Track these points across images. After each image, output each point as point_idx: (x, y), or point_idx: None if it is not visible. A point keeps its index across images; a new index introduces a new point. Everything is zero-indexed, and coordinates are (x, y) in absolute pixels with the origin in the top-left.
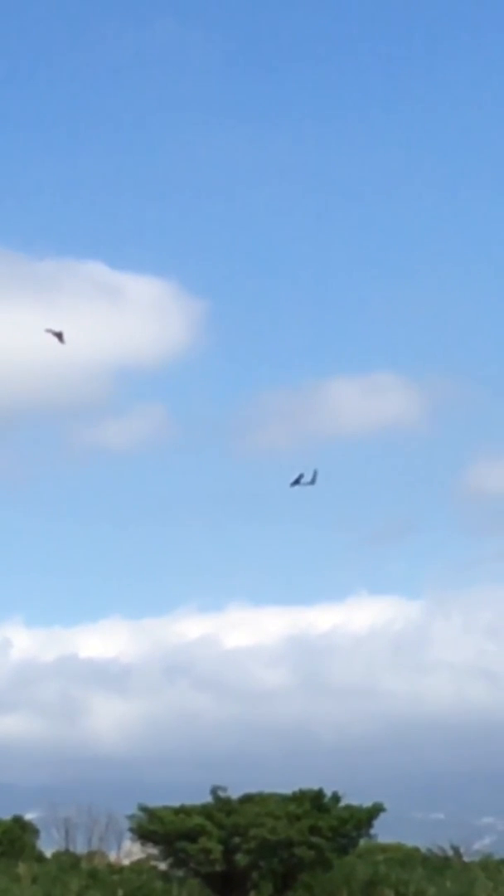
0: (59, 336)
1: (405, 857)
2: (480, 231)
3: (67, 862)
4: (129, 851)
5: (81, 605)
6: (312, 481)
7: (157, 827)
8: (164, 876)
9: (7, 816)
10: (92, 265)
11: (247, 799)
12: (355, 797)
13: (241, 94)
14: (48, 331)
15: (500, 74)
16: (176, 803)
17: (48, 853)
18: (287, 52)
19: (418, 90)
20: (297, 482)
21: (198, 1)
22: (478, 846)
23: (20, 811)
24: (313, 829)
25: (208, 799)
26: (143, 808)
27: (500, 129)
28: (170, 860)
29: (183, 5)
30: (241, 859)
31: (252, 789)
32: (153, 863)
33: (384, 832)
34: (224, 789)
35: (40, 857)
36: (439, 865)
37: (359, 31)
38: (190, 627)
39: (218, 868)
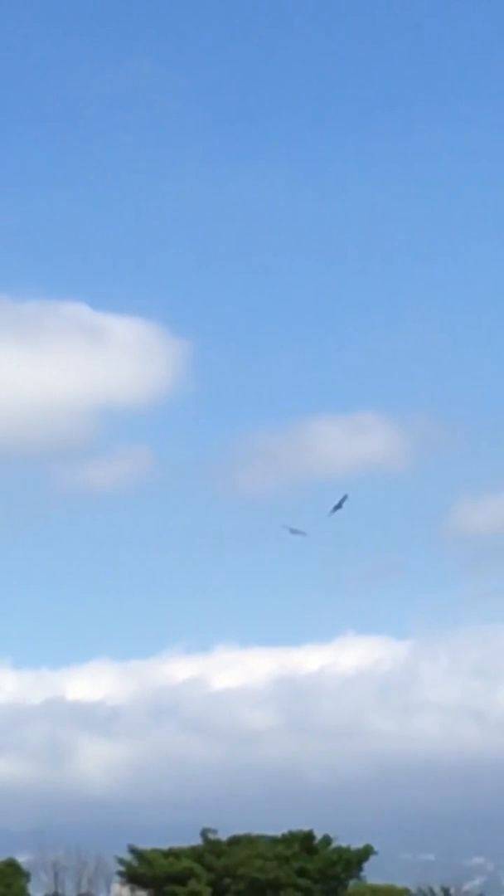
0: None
1: None
2: (465, 274)
3: None
4: (119, 894)
5: (69, 646)
6: (339, 506)
7: (146, 870)
8: None
9: None
10: (74, 306)
11: (235, 841)
12: (344, 838)
13: (220, 134)
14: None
15: (492, 131)
16: (164, 845)
17: None
18: (269, 93)
19: (407, 133)
20: (338, 506)
21: (175, 42)
22: (468, 887)
23: (8, 854)
24: (302, 871)
25: (197, 840)
26: (133, 850)
27: (488, 181)
28: None
29: (160, 47)
30: None
31: (240, 831)
32: None
33: (373, 873)
34: (214, 831)
35: None
36: None
37: (345, 71)
38: (177, 669)
39: None
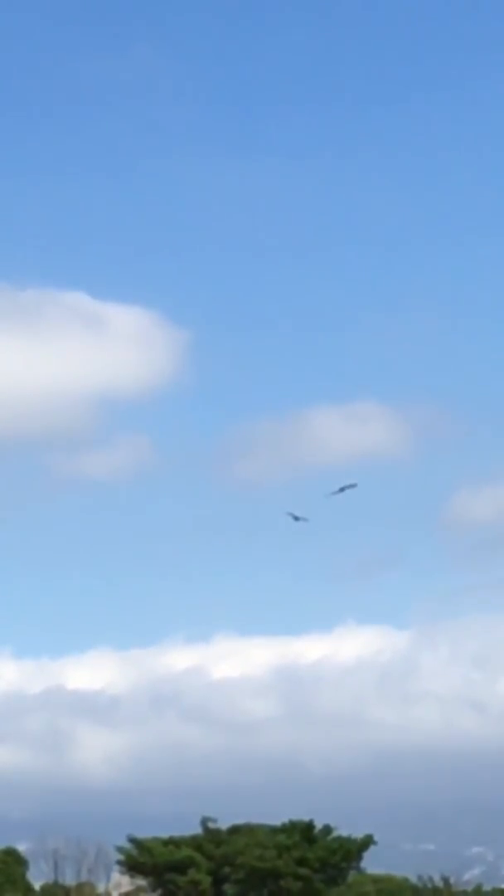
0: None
1: (396, 889)
2: (466, 262)
3: (56, 894)
4: (119, 883)
5: (69, 636)
6: (343, 489)
7: (146, 858)
8: None
9: None
10: (74, 295)
11: (235, 830)
12: (344, 828)
13: (219, 122)
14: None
15: (492, 117)
16: (164, 834)
17: (37, 885)
18: (269, 81)
19: (407, 119)
20: (342, 489)
21: (174, 30)
22: (468, 876)
23: (8, 842)
24: (302, 861)
25: (197, 829)
26: (133, 839)
27: (488, 167)
28: (159, 892)
29: (159, 32)
30: (229, 889)
31: (240, 820)
32: (142, 895)
33: (373, 863)
34: (214, 820)
35: (29, 889)
36: None
37: (345, 59)
38: (177, 658)
39: None
